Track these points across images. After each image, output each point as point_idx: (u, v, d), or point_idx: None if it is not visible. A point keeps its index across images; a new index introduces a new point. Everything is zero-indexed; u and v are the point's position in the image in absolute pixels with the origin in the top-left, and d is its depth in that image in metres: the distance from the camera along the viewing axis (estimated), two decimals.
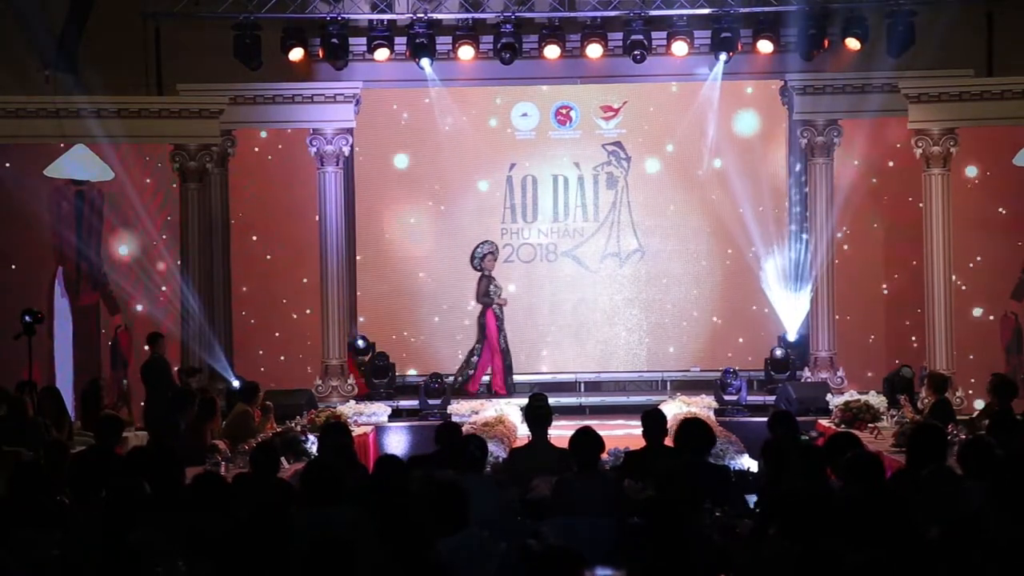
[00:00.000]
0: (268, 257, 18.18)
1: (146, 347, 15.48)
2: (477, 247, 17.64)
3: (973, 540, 5.75)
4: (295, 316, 18.04)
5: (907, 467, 8.23)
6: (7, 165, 16.83)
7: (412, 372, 17.99)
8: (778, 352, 16.86)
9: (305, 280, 17.87)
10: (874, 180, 17.93)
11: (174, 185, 16.92)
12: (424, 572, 5.69)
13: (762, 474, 9.19)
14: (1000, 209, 17.43)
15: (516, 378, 17.71)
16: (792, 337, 17.15)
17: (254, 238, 18.15)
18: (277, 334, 18.06)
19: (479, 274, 17.53)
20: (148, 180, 17.37)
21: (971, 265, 17.25)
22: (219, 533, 6.19)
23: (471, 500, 6.74)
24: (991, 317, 17.30)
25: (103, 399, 13.31)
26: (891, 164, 17.75)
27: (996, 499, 6.67)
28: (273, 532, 6.05)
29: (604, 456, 9.13)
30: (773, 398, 15.85)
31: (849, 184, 17.57)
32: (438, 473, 8.29)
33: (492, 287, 17.41)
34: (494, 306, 17.36)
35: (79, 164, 16.68)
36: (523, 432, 12.40)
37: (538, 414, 9.94)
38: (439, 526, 6.52)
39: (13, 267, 17.06)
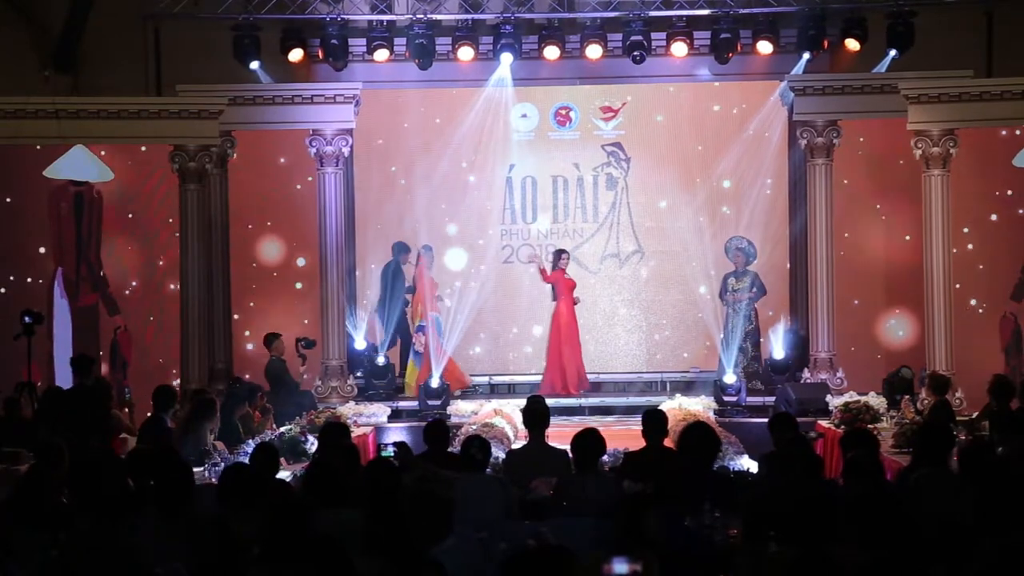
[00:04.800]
0: (268, 258, 18.19)
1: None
2: (730, 240, 17.62)
3: (972, 541, 5.75)
4: (294, 317, 18.01)
5: (911, 466, 8.27)
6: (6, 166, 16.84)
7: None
8: (778, 353, 16.85)
9: (304, 281, 17.89)
10: (873, 181, 17.94)
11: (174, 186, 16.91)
12: (420, 573, 5.69)
13: (761, 477, 9.20)
14: (999, 209, 17.44)
15: (516, 379, 17.70)
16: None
17: (252, 229, 18.17)
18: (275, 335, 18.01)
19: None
20: (147, 181, 17.39)
21: (980, 267, 17.26)
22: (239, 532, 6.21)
23: (454, 508, 6.65)
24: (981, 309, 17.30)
25: (111, 400, 13.34)
26: (890, 165, 17.74)
27: (995, 500, 6.67)
28: (289, 533, 6.05)
29: (604, 457, 9.14)
30: (772, 399, 15.82)
31: (848, 185, 17.58)
32: (438, 473, 8.29)
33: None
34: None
35: (78, 165, 16.67)
36: (523, 429, 12.36)
37: (535, 415, 9.92)
38: (422, 534, 6.46)
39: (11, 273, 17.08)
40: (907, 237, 17.54)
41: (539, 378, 17.90)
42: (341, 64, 17.08)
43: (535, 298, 18.61)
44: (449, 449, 10.02)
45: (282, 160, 18.17)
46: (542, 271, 17.44)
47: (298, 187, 18.04)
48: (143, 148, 17.07)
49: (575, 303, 17.48)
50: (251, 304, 18.16)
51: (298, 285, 17.89)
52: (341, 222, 17.11)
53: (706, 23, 16.94)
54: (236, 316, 17.68)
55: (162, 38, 17.51)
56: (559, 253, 17.47)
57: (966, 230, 17.17)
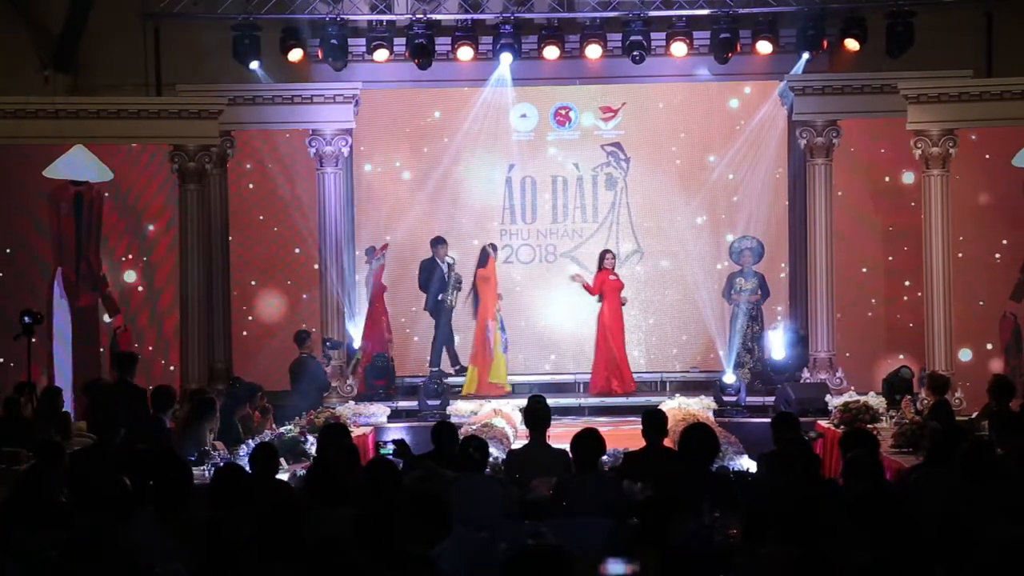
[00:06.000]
0: (267, 257, 18.19)
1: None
2: (740, 240, 17.56)
3: (972, 541, 5.75)
4: (294, 316, 18.00)
5: (925, 467, 8.28)
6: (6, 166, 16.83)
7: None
8: (778, 353, 16.83)
9: (305, 281, 17.89)
10: (873, 181, 17.94)
11: (173, 186, 16.90)
12: (411, 570, 5.69)
13: (761, 477, 9.19)
14: (999, 209, 17.44)
15: (516, 379, 17.68)
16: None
17: (260, 231, 18.19)
18: (276, 334, 18.03)
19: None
20: (147, 181, 17.38)
21: (982, 266, 17.24)
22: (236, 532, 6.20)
23: (450, 509, 6.65)
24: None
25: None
26: (890, 165, 17.74)
27: (995, 500, 6.67)
28: (287, 532, 6.05)
29: (604, 457, 9.13)
30: (772, 399, 15.82)
31: (848, 185, 17.57)
32: (438, 473, 8.29)
33: None
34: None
35: (78, 165, 16.68)
36: (523, 429, 12.37)
37: (536, 415, 9.92)
38: (421, 534, 6.47)
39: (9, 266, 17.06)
40: (905, 248, 17.53)
41: (540, 379, 17.91)
42: (341, 64, 17.09)
43: (535, 297, 18.63)
44: None
45: (259, 164, 18.11)
46: (587, 288, 17.31)
47: (297, 187, 18.03)
48: (158, 149, 17.03)
49: (622, 304, 17.41)
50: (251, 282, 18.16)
51: (304, 281, 17.87)
52: (340, 222, 17.11)
53: (706, 23, 16.95)
54: (235, 292, 17.65)
55: (162, 38, 17.51)
56: (604, 253, 17.39)
57: (961, 238, 17.11)
